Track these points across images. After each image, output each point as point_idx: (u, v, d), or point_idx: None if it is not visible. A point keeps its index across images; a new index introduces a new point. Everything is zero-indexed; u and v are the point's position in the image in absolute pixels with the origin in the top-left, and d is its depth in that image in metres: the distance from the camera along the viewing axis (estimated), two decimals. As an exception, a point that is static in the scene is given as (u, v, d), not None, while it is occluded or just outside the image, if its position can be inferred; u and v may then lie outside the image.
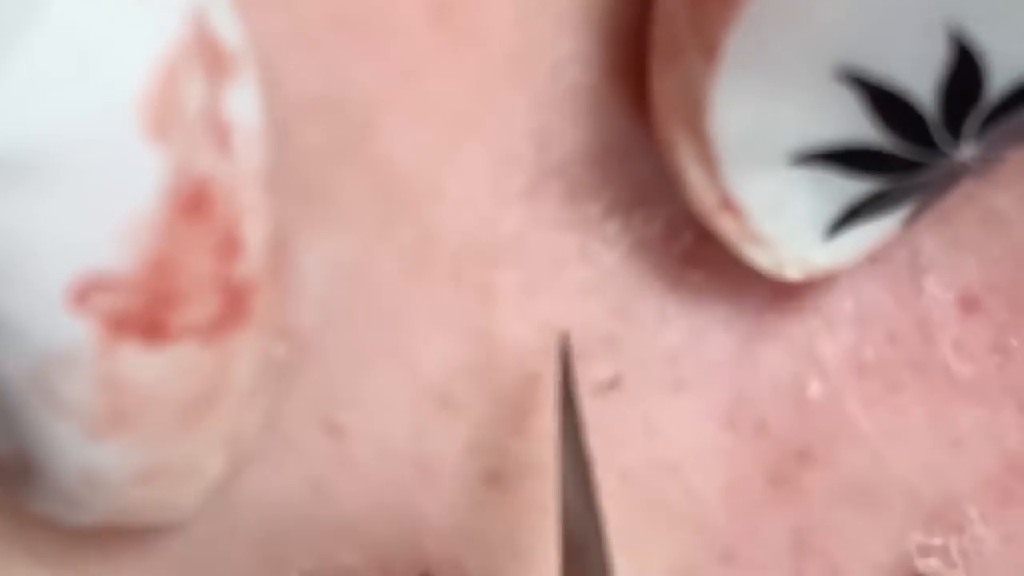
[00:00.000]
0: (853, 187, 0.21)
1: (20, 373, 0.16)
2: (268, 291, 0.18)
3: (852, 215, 0.21)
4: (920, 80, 0.19)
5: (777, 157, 0.20)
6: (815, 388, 0.24)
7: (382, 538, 0.23)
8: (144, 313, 0.16)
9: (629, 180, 0.22)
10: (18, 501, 0.19)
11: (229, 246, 0.17)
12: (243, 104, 0.17)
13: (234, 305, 0.17)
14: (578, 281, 0.22)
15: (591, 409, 0.21)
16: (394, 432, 0.22)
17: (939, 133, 0.20)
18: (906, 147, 0.20)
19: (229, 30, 0.17)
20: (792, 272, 0.22)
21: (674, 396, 0.23)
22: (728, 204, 0.21)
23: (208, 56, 0.16)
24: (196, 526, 0.22)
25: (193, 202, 0.16)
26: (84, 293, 0.16)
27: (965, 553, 0.24)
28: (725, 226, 0.21)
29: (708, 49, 0.19)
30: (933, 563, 0.24)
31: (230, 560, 0.22)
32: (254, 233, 0.17)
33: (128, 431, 0.17)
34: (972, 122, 0.20)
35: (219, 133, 0.16)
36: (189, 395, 0.17)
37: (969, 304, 0.24)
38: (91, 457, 0.17)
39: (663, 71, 0.20)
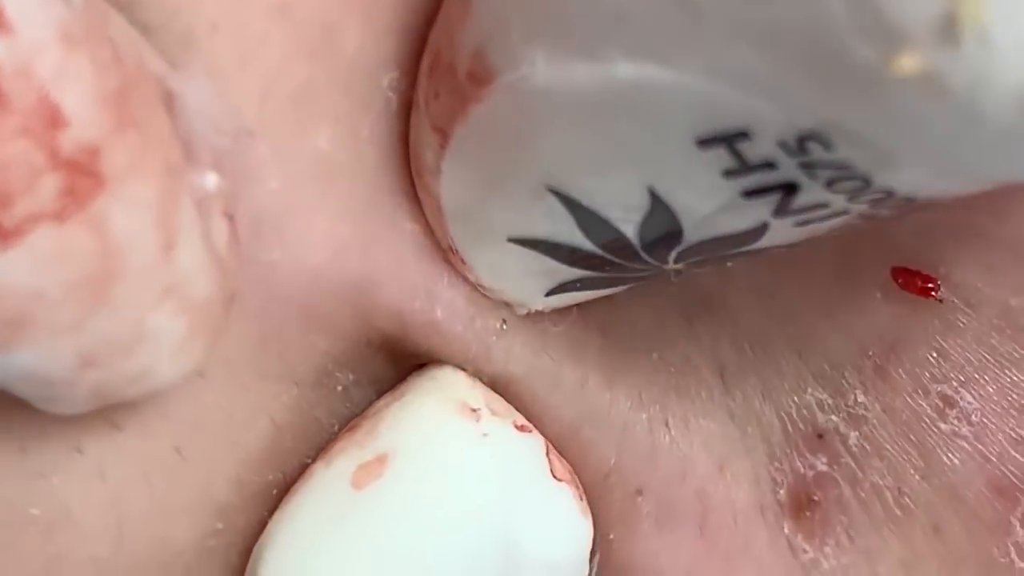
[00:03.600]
0: (567, 271, 0.22)
1: None
2: (124, 142, 0.17)
3: (567, 287, 0.22)
4: (623, 216, 0.19)
5: (496, 234, 0.21)
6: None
7: None
8: (-29, 222, 0.16)
9: None
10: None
11: (44, 122, 0.16)
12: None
13: (79, 175, 0.16)
14: None
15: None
16: None
17: (644, 253, 0.20)
18: (614, 257, 0.20)
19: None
20: (517, 310, 0.23)
21: None
22: (454, 252, 0.22)
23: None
24: None
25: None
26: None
27: (855, 417, 0.24)
28: (457, 266, 0.22)
29: (439, 130, 0.20)
30: (834, 419, 0.24)
31: None
32: (74, 96, 0.16)
33: (31, 331, 0.17)
34: (673, 253, 0.20)
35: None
36: (78, 275, 0.17)
37: None
38: (19, 366, 0.17)
39: (412, 120, 0.21)
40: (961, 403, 0.24)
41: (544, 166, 0.19)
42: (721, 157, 0.17)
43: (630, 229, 0.19)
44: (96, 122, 0.16)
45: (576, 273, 0.22)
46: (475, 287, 0.23)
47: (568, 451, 0.24)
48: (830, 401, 0.24)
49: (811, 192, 0.17)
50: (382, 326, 0.23)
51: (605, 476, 0.24)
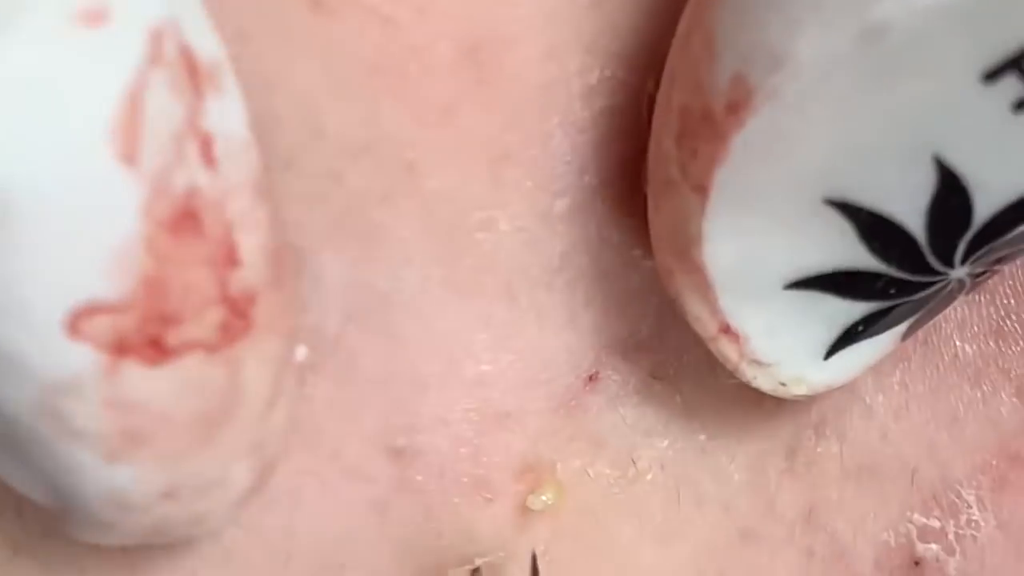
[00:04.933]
0: (848, 309, 0.21)
1: (27, 405, 0.16)
2: (272, 297, 0.18)
3: (849, 336, 0.22)
4: (908, 206, 0.19)
5: (771, 285, 0.21)
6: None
7: (439, 558, 0.23)
8: (142, 333, 0.16)
9: None
10: (66, 531, 0.19)
11: (223, 257, 0.17)
12: (224, 115, 0.17)
13: (235, 315, 0.17)
14: (623, 290, 0.23)
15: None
16: (454, 452, 0.23)
17: (931, 255, 0.20)
18: (899, 269, 0.20)
19: (205, 42, 0.17)
20: (796, 391, 0.22)
21: (711, 377, 0.24)
22: (727, 330, 0.21)
23: (183, 70, 0.16)
24: (252, 554, 0.23)
25: (178, 219, 0.16)
26: (79, 320, 0.16)
27: (962, 538, 0.24)
28: (725, 350, 0.21)
29: (698, 187, 0.19)
30: (933, 548, 0.24)
31: None
32: (249, 242, 0.17)
33: (144, 449, 0.17)
34: (962, 244, 0.19)
35: (201, 146, 0.17)
36: (201, 408, 0.17)
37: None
38: (113, 479, 0.17)
39: (658, 204, 0.20)
40: (1085, 503, 0.23)
41: (818, 173, 0.19)
42: (1010, 86, 0.17)
43: (916, 221, 0.19)
44: (260, 271, 0.17)
45: (858, 310, 0.21)
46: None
47: None
48: (936, 525, 0.24)
49: None
50: None
51: None
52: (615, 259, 0.23)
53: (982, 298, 0.24)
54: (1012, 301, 0.24)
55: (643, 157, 0.21)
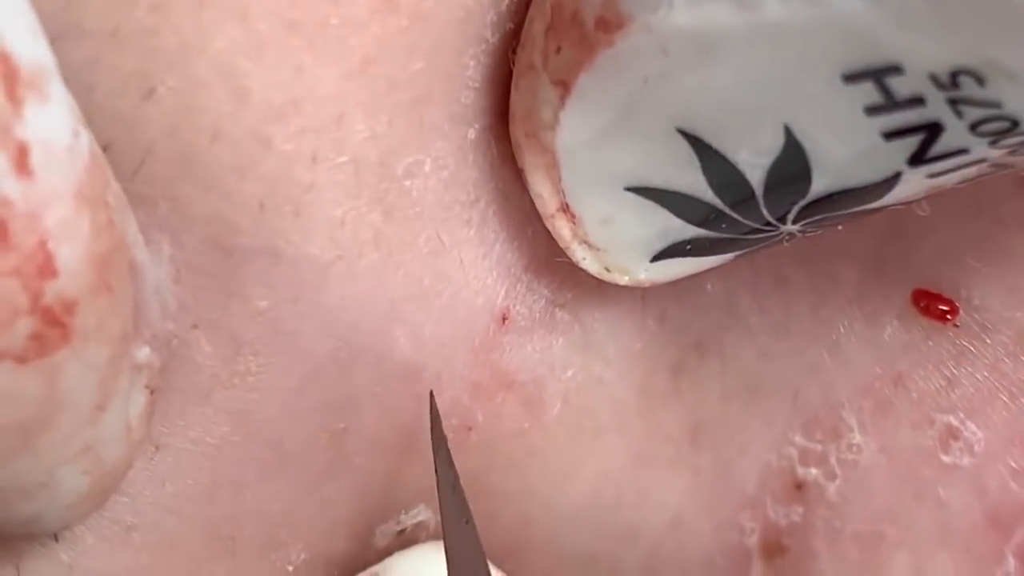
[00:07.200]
0: (681, 228, 0.21)
1: None
2: (96, 303, 0.17)
3: (677, 250, 0.22)
4: (753, 159, 0.19)
5: (614, 182, 0.21)
6: (711, 282, 0.25)
7: (368, 519, 0.24)
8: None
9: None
10: None
11: (36, 269, 0.16)
12: (45, 123, 0.17)
13: (50, 325, 0.17)
14: (520, 212, 0.23)
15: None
16: (386, 422, 0.23)
17: (765, 208, 0.20)
18: (732, 210, 0.20)
19: (28, 48, 0.17)
20: (617, 279, 0.23)
21: (601, 298, 0.24)
22: (565, 208, 0.22)
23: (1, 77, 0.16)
24: (195, 544, 0.23)
25: (-18, 227, 0.16)
26: None
27: (843, 462, 0.24)
28: (561, 228, 0.22)
29: (560, 82, 0.20)
30: (814, 472, 0.24)
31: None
32: (69, 251, 0.17)
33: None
34: (796, 208, 0.20)
35: (15, 156, 0.16)
36: (15, 415, 0.17)
37: None
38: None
39: (519, 84, 0.21)
40: (965, 433, 0.23)
41: (676, 106, 0.19)
42: (867, 92, 0.17)
43: (757, 175, 0.19)
44: (80, 280, 0.17)
45: (690, 232, 0.21)
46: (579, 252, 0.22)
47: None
48: (818, 448, 0.24)
49: (954, 135, 0.17)
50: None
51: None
52: (513, 179, 0.23)
53: (861, 224, 0.23)
54: (889, 226, 0.23)
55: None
